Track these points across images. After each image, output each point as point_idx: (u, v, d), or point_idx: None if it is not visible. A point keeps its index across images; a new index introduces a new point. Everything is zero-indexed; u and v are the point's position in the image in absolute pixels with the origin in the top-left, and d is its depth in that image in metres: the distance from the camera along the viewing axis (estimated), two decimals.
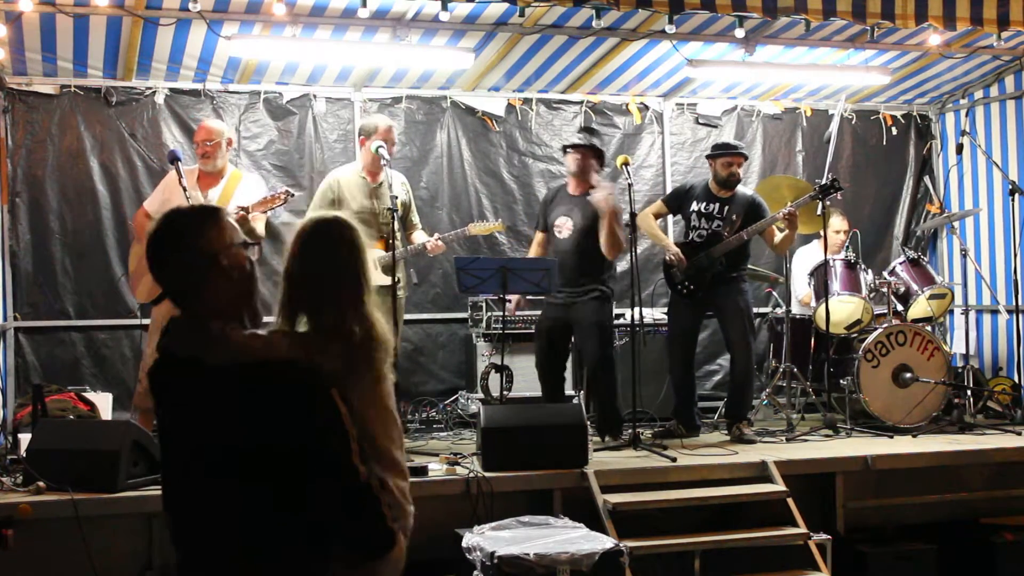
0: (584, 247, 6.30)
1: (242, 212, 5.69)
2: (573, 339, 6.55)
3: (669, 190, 7.80)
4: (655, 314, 7.58)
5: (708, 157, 6.80)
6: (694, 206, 6.69)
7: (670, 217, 7.52)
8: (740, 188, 6.77)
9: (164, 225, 2.43)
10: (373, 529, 2.36)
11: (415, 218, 6.46)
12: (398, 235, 5.75)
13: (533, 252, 6.72)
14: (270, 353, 2.38)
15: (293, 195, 6.00)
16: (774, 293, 7.80)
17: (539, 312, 7.08)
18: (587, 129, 6.78)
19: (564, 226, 6.38)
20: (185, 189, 5.73)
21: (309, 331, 2.57)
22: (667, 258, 6.69)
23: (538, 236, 6.67)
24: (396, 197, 5.82)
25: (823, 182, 6.54)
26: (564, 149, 6.61)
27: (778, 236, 6.60)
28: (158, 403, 2.45)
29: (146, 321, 6.72)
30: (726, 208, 6.61)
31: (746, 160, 6.83)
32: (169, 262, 2.40)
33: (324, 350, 2.49)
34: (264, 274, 2.68)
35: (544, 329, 6.48)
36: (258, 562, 2.28)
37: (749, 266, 7.31)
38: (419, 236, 6.36)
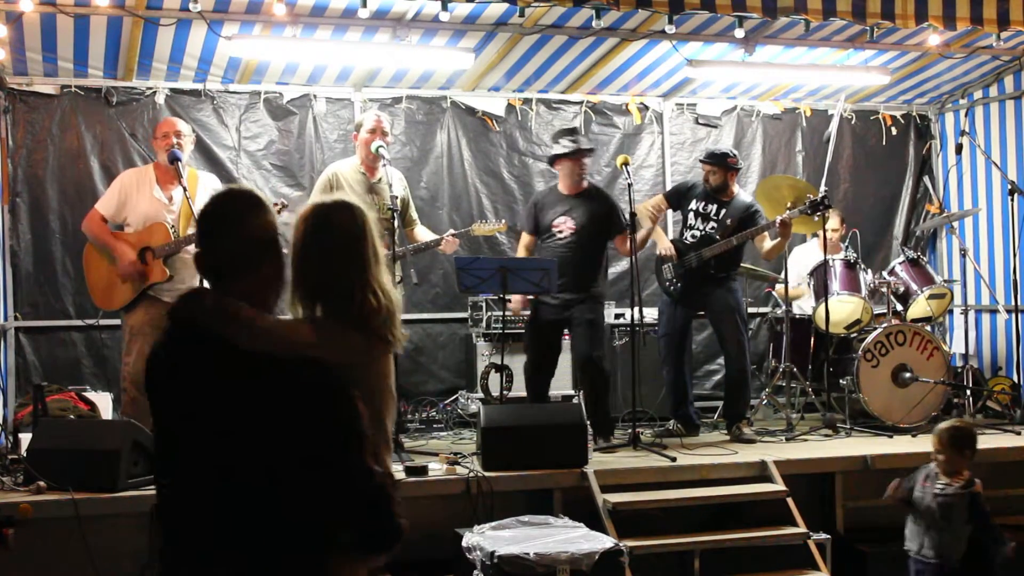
0: (585, 246, 6.32)
1: None
2: (569, 339, 6.57)
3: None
4: (655, 314, 7.59)
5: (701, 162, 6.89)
6: (693, 205, 6.71)
7: (669, 215, 7.54)
8: (740, 193, 6.78)
9: (229, 200, 2.38)
10: (386, 527, 2.33)
11: (414, 214, 6.49)
12: (397, 232, 5.76)
13: (520, 255, 6.70)
14: (297, 345, 2.34)
15: (287, 205, 6.06)
16: (774, 293, 7.81)
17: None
18: (568, 131, 6.64)
19: (564, 225, 6.37)
20: (185, 189, 5.72)
21: (329, 319, 2.56)
22: (659, 252, 6.69)
23: (526, 239, 6.64)
24: (396, 196, 5.84)
25: (815, 198, 6.51)
26: (552, 160, 6.55)
27: (768, 243, 6.59)
28: (166, 378, 2.33)
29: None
30: (723, 211, 6.62)
31: (731, 171, 6.67)
32: (230, 236, 2.33)
33: (345, 341, 2.50)
34: None
35: (540, 328, 6.46)
36: (256, 567, 2.24)
37: (750, 266, 7.33)
38: (423, 233, 6.39)
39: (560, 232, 6.38)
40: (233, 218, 2.35)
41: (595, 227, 6.35)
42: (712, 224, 6.62)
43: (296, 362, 2.27)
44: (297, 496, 2.23)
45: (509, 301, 6.39)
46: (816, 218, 6.62)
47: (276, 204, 5.92)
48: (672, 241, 6.78)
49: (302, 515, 2.25)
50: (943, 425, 4.72)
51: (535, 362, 6.46)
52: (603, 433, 6.17)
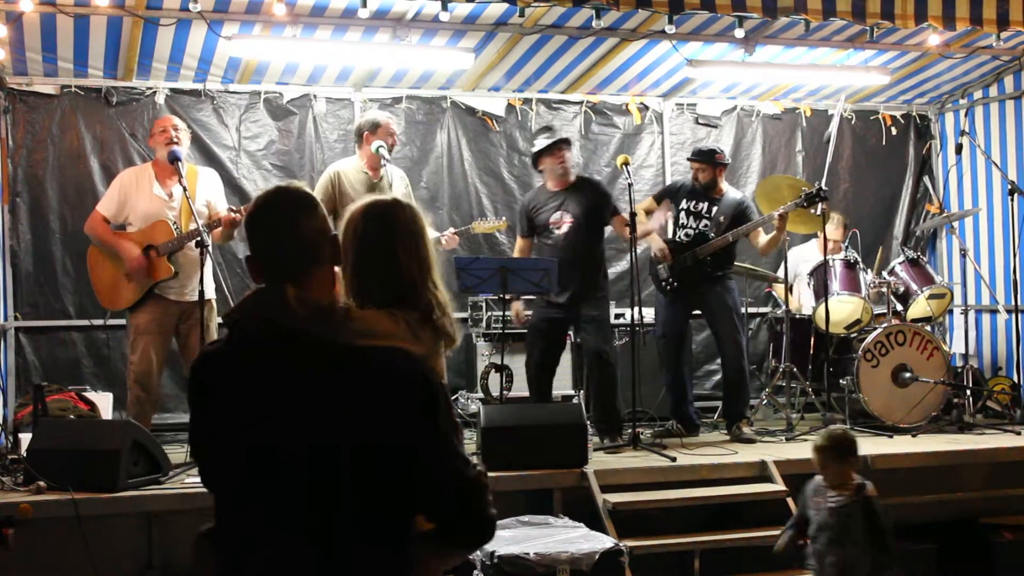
0: (584, 238, 6.32)
1: (235, 214, 5.72)
2: (575, 337, 6.58)
3: None
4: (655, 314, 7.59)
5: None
6: (684, 204, 6.72)
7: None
8: (730, 189, 6.80)
9: (293, 195, 2.29)
10: (484, 518, 2.24)
11: None
12: None
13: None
14: (386, 337, 2.23)
15: None
16: (774, 293, 7.80)
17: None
18: (543, 129, 6.69)
19: (562, 221, 6.36)
20: (185, 189, 5.70)
21: (404, 315, 2.49)
22: (652, 254, 6.70)
23: (521, 243, 6.67)
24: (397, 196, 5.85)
25: (810, 190, 6.51)
26: (535, 158, 6.55)
27: (763, 238, 6.60)
28: (234, 379, 2.19)
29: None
30: (714, 208, 6.63)
31: (719, 168, 6.71)
32: (299, 229, 2.23)
33: (422, 333, 2.48)
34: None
35: (545, 328, 6.45)
36: (341, 566, 2.11)
37: (749, 266, 7.32)
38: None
39: (559, 228, 6.37)
40: (311, 211, 2.27)
41: (592, 216, 6.37)
42: (705, 222, 6.63)
43: (389, 354, 2.18)
44: (395, 489, 2.13)
45: (515, 299, 6.39)
46: (813, 211, 6.61)
47: None
48: (665, 241, 6.77)
49: (395, 509, 2.15)
50: (819, 441, 4.39)
51: (539, 361, 6.44)
52: (610, 432, 6.18)
